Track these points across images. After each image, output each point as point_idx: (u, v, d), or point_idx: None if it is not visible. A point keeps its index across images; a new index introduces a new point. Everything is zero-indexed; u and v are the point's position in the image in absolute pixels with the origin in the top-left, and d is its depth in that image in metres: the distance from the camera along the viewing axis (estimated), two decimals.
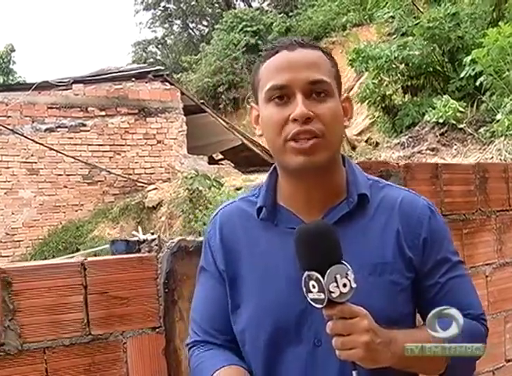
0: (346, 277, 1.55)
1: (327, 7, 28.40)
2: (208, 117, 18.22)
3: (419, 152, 9.48)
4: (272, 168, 1.96)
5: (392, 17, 12.52)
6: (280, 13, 31.90)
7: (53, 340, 2.32)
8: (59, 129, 16.16)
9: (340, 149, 1.89)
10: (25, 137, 15.52)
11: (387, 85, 11.85)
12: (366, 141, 14.18)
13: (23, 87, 16.20)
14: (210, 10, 43.48)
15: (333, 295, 1.55)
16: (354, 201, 1.82)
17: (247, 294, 1.86)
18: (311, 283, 1.57)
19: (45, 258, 14.79)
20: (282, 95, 1.77)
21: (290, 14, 31.11)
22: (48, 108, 16.14)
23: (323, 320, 1.62)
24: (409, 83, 11.83)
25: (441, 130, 9.91)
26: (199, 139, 17.73)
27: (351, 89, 23.87)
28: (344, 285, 1.55)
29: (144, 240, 2.67)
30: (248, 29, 30.51)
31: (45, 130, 16.05)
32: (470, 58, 9.95)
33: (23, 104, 15.86)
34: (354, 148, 17.31)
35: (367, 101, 12.14)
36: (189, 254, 2.59)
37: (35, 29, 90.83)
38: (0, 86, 19.00)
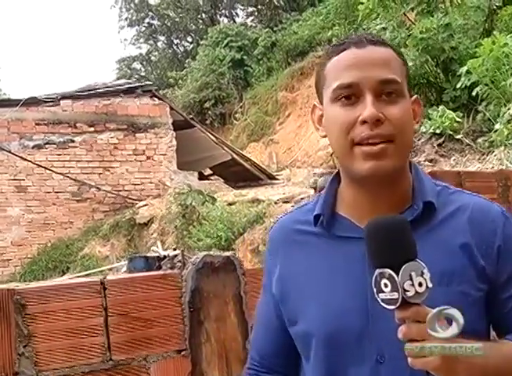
0: (422, 275, 1.42)
1: (312, 21, 28.38)
2: (197, 133, 18.06)
3: (417, 163, 9.33)
4: (334, 173, 1.84)
5: (384, 29, 12.39)
6: (265, 28, 31.87)
7: (72, 367, 2.14)
8: (47, 146, 15.96)
9: (409, 154, 1.77)
10: (13, 154, 15.34)
11: None
12: None
13: (11, 103, 15.99)
14: (194, 26, 43.48)
15: (408, 294, 1.41)
16: (418, 209, 1.70)
17: (305, 307, 1.74)
18: (384, 281, 1.44)
19: (35, 277, 14.56)
20: (349, 94, 1.65)
21: (275, 29, 31.07)
22: (36, 124, 15.94)
23: (387, 332, 1.51)
24: None
25: (439, 141, 9.79)
26: (188, 154, 17.56)
27: None
28: (420, 284, 1.42)
29: (165, 256, 2.49)
30: (233, 44, 30.52)
31: (33, 147, 15.84)
32: (465, 68, 9.84)
33: (10, 120, 15.67)
34: None
35: None
36: (215, 271, 2.41)
37: (19, 46, 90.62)
38: None
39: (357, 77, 1.63)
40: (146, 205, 15.07)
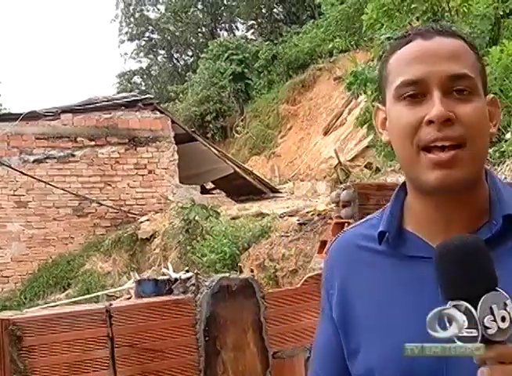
0: (504, 308, 1.19)
1: (313, 34, 28.32)
2: (199, 146, 17.84)
3: None
4: (400, 184, 1.61)
5: (389, 38, 12.19)
6: (266, 41, 31.78)
7: None
8: (47, 160, 15.74)
9: (485, 161, 1.52)
10: (13, 169, 15.14)
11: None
12: (366, 166, 13.81)
13: (10, 117, 15.79)
14: (194, 40, 43.43)
15: (490, 332, 1.18)
16: (498, 225, 1.45)
17: (367, 337, 1.50)
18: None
19: (35, 294, 14.31)
20: (415, 92, 1.43)
21: (276, 42, 30.98)
22: (36, 139, 15.73)
23: (465, 374, 1.30)
24: None
25: None
26: (190, 168, 17.32)
27: (341, 115, 23.69)
28: (503, 319, 1.18)
29: (176, 279, 2.26)
30: (234, 57, 30.40)
31: (34, 161, 15.62)
32: None
33: (10, 135, 15.46)
34: (348, 174, 16.97)
35: (367, 124, 11.79)
36: (233, 295, 2.18)
37: (20, 60, 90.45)
38: None
39: (422, 71, 1.43)
40: (148, 220, 14.85)
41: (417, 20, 12.04)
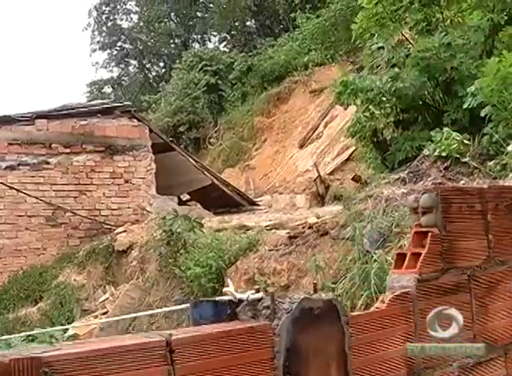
0: None
1: (288, 46, 28.28)
2: (176, 156, 17.43)
3: (424, 188, 8.78)
4: None
5: (381, 48, 11.93)
6: (240, 53, 31.61)
7: None
8: (20, 167, 15.18)
9: None
10: None
11: (377, 119, 11.18)
12: (353, 179, 13.46)
13: None
14: (166, 51, 43.15)
15: None
16: None
17: None
18: None
19: (5, 307, 13.72)
20: None
21: (250, 54, 30.83)
22: (9, 144, 15.18)
23: None
24: (401, 117, 11.20)
25: (445, 164, 9.25)
26: (166, 178, 16.85)
27: (317, 128, 23.44)
28: None
29: (240, 300, 1.82)
30: (208, 68, 30.30)
31: (6, 168, 15.06)
32: (473, 88, 9.34)
33: None
34: (327, 187, 16.66)
35: (358, 135, 11.45)
36: (315, 321, 1.73)
37: None
38: None
39: None
40: (124, 231, 14.35)
41: (410, 30, 11.79)
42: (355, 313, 2.26)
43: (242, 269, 9.07)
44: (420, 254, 2.36)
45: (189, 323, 2.26)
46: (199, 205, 18.03)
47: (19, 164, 15.16)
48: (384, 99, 10.91)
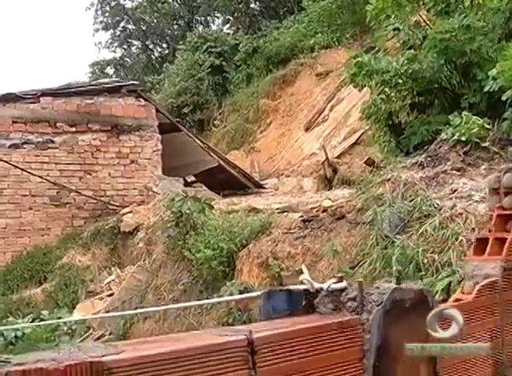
0: None
1: (294, 29, 27.98)
2: (182, 137, 17.16)
3: (443, 172, 8.54)
4: None
5: (397, 29, 11.63)
6: (246, 35, 31.32)
7: None
8: (25, 146, 14.92)
9: None
10: None
11: (393, 101, 10.88)
12: (366, 162, 13.19)
13: None
14: (170, 32, 42.80)
15: None
16: None
17: None
18: None
19: (9, 288, 13.48)
20: None
21: (254, 36, 30.53)
22: (14, 122, 14.91)
23: None
24: (417, 100, 10.90)
25: (464, 149, 8.99)
26: (172, 159, 16.58)
27: (322, 111, 23.17)
28: None
29: (318, 290, 1.57)
30: (213, 50, 30.00)
31: (10, 146, 14.79)
32: (494, 72, 9.06)
33: None
34: (335, 171, 16.43)
35: (373, 118, 11.15)
36: (405, 314, 1.48)
37: None
38: None
39: None
40: (130, 212, 14.10)
41: (427, 12, 11.48)
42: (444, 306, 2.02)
43: (255, 252, 8.84)
44: (504, 239, 2.12)
45: (260, 315, 2.02)
46: (204, 187, 17.80)
47: (23, 143, 14.89)
48: (400, 81, 10.62)
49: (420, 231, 6.89)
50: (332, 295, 1.62)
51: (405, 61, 10.53)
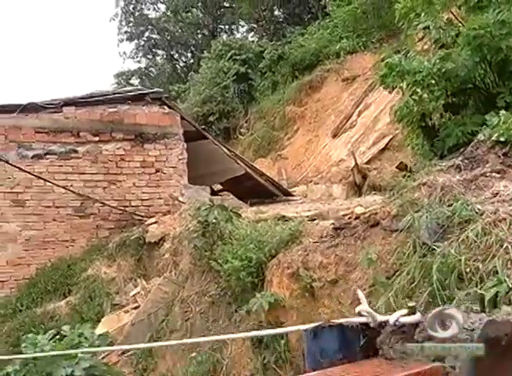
0: None
1: (319, 34, 27.92)
2: (208, 145, 16.87)
3: (482, 174, 8.09)
4: None
5: (427, 28, 11.21)
6: (270, 41, 31.21)
7: None
8: (47, 156, 14.66)
9: None
10: (10, 164, 14.05)
11: (425, 103, 10.48)
12: (398, 167, 12.82)
13: (8, 109, 14.61)
14: (194, 41, 42.89)
15: None
16: None
17: None
18: None
19: (33, 301, 13.24)
20: None
21: (279, 43, 30.42)
22: (36, 132, 14.65)
23: None
24: (450, 100, 10.49)
25: (503, 150, 8.54)
26: (198, 168, 16.28)
27: (350, 117, 22.84)
28: None
29: (380, 324, 1.18)
30: (237, 57, 30.05)
31: (33, 157, 14.53)
32: None
33: (7, 128, 14.40)
34: (365, 177, 16.10)
35: (406, 120, 10.75)
36: (500, 355, 1.09)
37: (16, 57, 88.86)
38: None
39: None
40: (156, 222, 13.80)
41: (459, 8, 11.07)
42: None
43: (285, 262, 8.43)
44: None
45: (303, 360, 1.65)
46: (231, 195, 17.48)
47: (46, 153, 14.64)
48: (433, 81, 10.21)
49: (461, 238, 6.44)
50: (401, 332, 1.23)
51: (438, 60, 10.13)
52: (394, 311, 6.04)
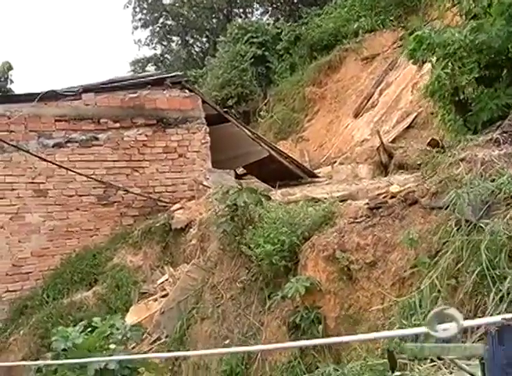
0: None
1: (336, 14, 27.55)
2: (230, 128, 16.57)
3: None
4: None
5: None
6: (287, 22, 30.87)
7: None
8: (68, 144, 14.45)
9: None
10: (31, 154, 13.88)
11: (458, 76, 10.11)
12: (430, 144, 12.45)
13: (28, 98, 14.39)
14: (209, 25, 42.54)
15: None
16: None
17: None
18: None
19: (59, 292, 13.07)
20: None
21: (296, 24, 30.07)
22: (56, 121, 14.42)
23: None
24: (483, 73, 10.11)
25: None
26: (221, 151, 16.00)
27: (371, 96, 22.49)
28: None
29: None
30: (254, 40, 29.76)
31: (53, 145, 14.33)
32: None
33: (27, 117, 14.17)
34: (391, 156, 15.77)
35: (437, 95, 10.38)
36: None
37: (31, 47, 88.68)
38: (1, 97, 17.19)
39: None
40: (181, 208, 13.56)
41: None
42: None
43: (319, 245, 8.14)
44: None
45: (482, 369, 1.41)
46: (255, 179, 17.21)
47: (67, 142, 14.43)
48: (465, 54, 9.84)
49: (510, 214, 6.13)
50: None
51: (470, 32, 9.75)
52: (440, 292, 5.69)
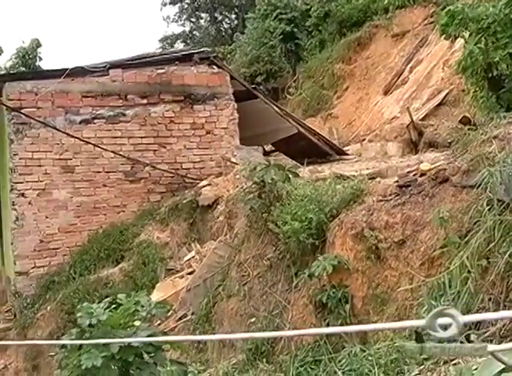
0: None
1: None
2: (259, 104, 16.42)
3: None
4: None
5: None
6: None
7: None
8: (95, 120, 14.42)
9: None
10: (58, 130, 13.86)
11: (492, 51, 9.88)
12: (461, 121, 12.25)
13: (54, 74, 14.34)
14: (237, 2, 42.23)
15: None
16: None
17: None
18: None
19: (86, 268, 13.09)
20: None
21: (325, 0, 29.67)
22: (83, 97, 14.39)
23: None
24: None
25: None
26: (249, 128, 15.86)
27: (402, 73, 22.18)
28: None
29: None
30: (283, 16, 29.42)
31: (80, 122, 14.31)
32: None
33: (54, 93, 14.13)
34: (421, 134, 15.55)
35: (470, 70, 10.16)
36: None
37: (60, 24, 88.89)
38: (28, 73, 17.17)
39: None
40: (209, 185, 13.46)
41: None
42: None
43: (347, 222, 8.00)
44: None
45: None
46: (283, 156, 17.07)
47: (94, 118, 14.39)
48: (499, 28, 9.61)
49: None
50: None
51: (504, 6, 9.51)
52: (470, 273, 5.53)
